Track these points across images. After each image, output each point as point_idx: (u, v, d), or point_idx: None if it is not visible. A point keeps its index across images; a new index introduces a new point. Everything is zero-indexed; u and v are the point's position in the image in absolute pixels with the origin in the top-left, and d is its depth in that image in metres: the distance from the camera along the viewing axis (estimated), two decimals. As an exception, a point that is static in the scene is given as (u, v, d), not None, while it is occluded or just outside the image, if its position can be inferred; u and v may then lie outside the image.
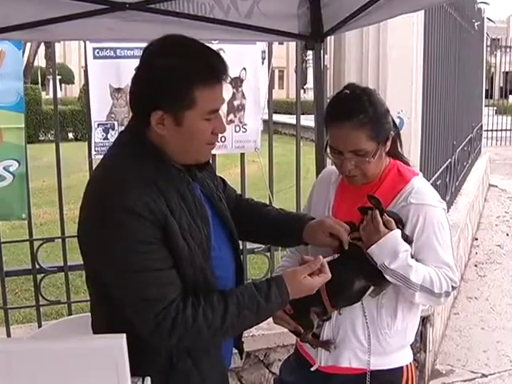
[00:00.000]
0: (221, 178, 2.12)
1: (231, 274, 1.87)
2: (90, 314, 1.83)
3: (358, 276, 1.93)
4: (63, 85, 36.29)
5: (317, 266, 1.75)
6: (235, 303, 1.63)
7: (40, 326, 3.41)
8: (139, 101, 1.67)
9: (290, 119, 16.62)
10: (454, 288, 1.99)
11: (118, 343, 1.42)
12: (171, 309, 1.56)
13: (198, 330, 1.59)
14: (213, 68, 1.62)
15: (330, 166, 2.29)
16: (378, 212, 1.90)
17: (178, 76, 1.59)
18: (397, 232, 1.90)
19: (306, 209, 2.29)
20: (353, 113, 1.93)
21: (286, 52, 37.68)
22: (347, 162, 1.97)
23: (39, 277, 3.45)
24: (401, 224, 1.93)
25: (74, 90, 36.67)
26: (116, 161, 1.71)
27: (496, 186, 11.55)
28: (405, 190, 1.99)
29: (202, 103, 1.61)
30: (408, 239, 1.92)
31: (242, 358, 2.18)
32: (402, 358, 2.11)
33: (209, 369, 1.78)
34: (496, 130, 18.20)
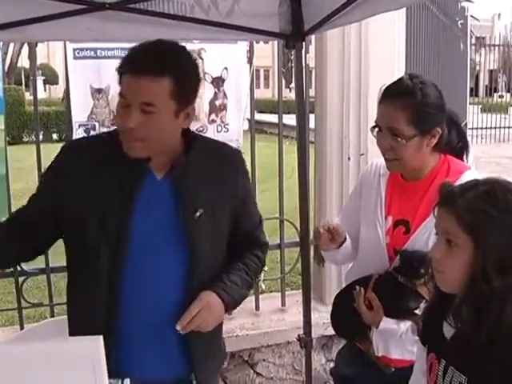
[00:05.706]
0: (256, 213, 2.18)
1: (175, 279, 1.89)
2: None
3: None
4: (47, 85, 36.04)
5: None
6: None
7: (22, 328, 3.40)
8: None
9: (275, 118, 16.49)
10: None
11: (95, 345, 1.41)
12: None
13: None
14: (128, 59, 1.84)
15: (375, 160, 2.34)
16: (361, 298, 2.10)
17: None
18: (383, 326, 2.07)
19: (349, 202, 2.39)
20: (399, 93, 2.05)
21: (271, 51, 37.58)
22: (383, 138, 2.09)
23: (21, 279, 3.43)
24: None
25: (58, 91, 36.42)
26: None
27: (481, 184, 11.59)
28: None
29: (120, 83, 1.86)
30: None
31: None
32: None
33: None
34: (481, 128, 18.32)
